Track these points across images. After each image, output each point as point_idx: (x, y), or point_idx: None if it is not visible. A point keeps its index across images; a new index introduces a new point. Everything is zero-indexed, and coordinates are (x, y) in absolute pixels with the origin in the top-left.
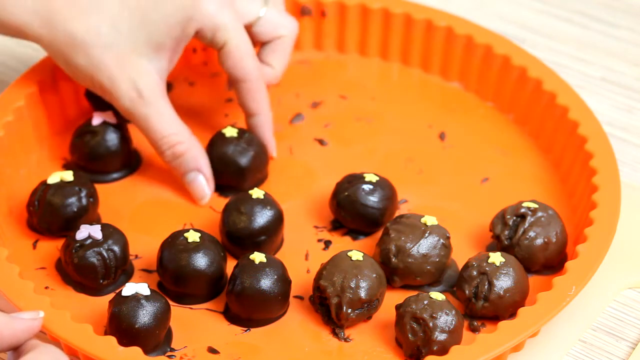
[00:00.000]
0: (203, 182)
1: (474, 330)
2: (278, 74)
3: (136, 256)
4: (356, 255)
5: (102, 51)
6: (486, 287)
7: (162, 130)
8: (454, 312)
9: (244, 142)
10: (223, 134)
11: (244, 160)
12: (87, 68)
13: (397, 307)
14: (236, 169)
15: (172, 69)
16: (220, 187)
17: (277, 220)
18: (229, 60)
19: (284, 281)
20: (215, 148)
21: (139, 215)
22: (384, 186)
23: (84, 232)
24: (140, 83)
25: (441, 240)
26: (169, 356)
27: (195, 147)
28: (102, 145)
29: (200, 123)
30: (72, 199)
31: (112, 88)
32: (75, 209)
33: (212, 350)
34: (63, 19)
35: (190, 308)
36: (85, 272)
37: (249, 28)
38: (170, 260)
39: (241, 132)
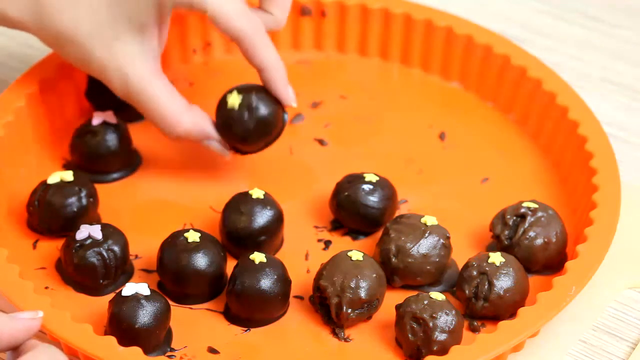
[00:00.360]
0: (217, 145)
1: (474, 330)
2: (279, 20)
3: (136, 256)
4: (356, 255)
5: (88, 41)
6: (486, 287)
7: (160, 113)
8: (454, 312)
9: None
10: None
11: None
12: (78, 60)
13: (397, 307)
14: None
15: (165, 43)
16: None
17: (277, 220)
18: (217, 24)
19: (284, 281)
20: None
21: (139, 215)
22: (384, 186)
23: (84, 232)
24: (129, 70)
25: (441, 240)
26: (169, 356)
27: (196, 119)
28: (102, 145)
29: None
30: (72, 199)
31: (104, 78)
32: (75, 209)
33: (212, 350)
34: (50, 13)
35: (190, 308)
36: (85, 272)
37: None
38: (170, 260)
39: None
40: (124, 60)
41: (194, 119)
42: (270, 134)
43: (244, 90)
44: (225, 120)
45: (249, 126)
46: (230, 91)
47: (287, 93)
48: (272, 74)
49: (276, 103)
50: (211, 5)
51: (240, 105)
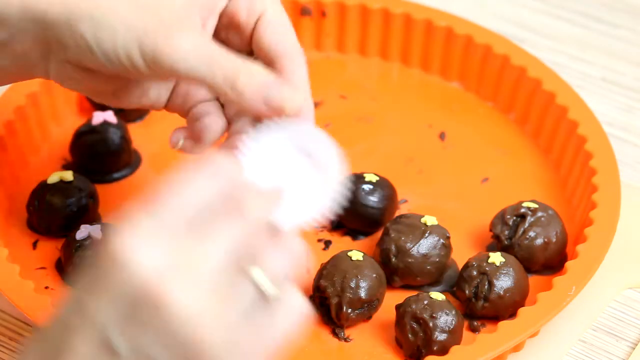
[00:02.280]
0: (280, 91)
1: (474, 330)
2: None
3: None
4: (356, 255)
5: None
6: (486, 287)
7: (212, 71)
8: (454, 312)
9: None
10: None
11: None
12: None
13: (397, 307)
14: None
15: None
16: None
17: None
18: (269, 31)
19: None
20: None
21: None
22: (384, 186)
23: (84, 232)
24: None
25: (441, 240)
26: None
27: (251, 73)
28: (102, 145)
29: None
30: (72, 199)
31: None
32: (75, 209)
33: None
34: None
35: None
36: None
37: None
38: None
39: None
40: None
41: (245, 73)
42: None
43: None
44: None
45: None
46: None
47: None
48: (309, 106)
49: None
50: (271, 6)
51: None
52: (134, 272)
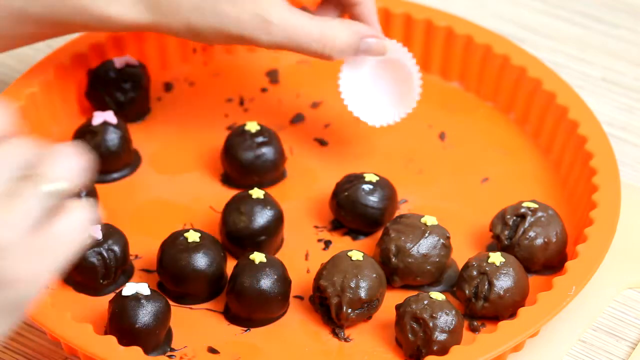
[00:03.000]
0: (374, 42)
1: (474, 330)
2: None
3: (136, 256)
4: (356, 255)
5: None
6: (486, 287)
7: (307, 39)
8: (454, 312)
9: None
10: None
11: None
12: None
13: (397, 307)
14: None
15: None
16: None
17: (277, 220)
18: None
19: (284, 281)
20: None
21: (139, 215)
22: (384, 186)
23: None
24: (265, 14)
25: (441, 240)
26: (169, 356)
27: (343, 26)
28: (102, 145)
29: (200, 123)
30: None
31: (247, 35)
32: None
33: (212, 350)
34: None
35: (190, 308)
36: (85, 272)
37: None
38: (170, 260)
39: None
40: (261, 5)
41: (336, 28)
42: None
43: None
44: None
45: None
46: None
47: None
48: (371, 9)
49: None
50: None
51: None
52: None
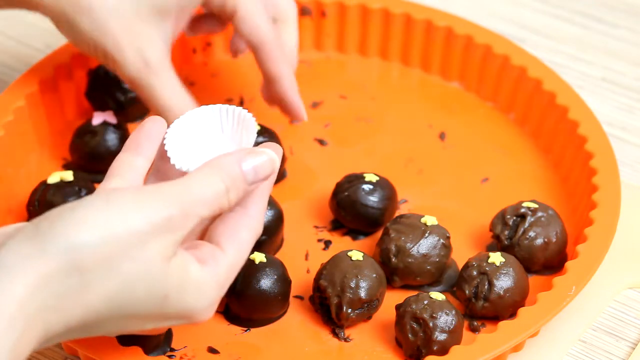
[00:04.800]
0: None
1: (474, 330)
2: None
3: None
4: (356, 255)
5: (107, 16)
6: (486, 287)
7: (167, 101)
8: (454, 312)
9: None
10: None
11: None
12: (91, 33)
13: (397, 307)
14: None
15: (176, 39)
16: None
17: (277, 220)
18: (244, 25)
19: (284, 281)
20: None
21: None
22: (384, 186)
23: None
24: (147, 52)
25: (441, 240)
26: (169, 356)
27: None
28: (102, 145)
29: None
30: (72, 199)
31: (118, 55)
32: None
33: (212, 350)
34: None
35: None
36: None
37: None
38: None
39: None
40: (143, 41)
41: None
42: None
43: None
44: None
45: None
46: None
47: (300, 105)
48: (289, 84)
49: None
50: (244, 6)
51: None
52: None
